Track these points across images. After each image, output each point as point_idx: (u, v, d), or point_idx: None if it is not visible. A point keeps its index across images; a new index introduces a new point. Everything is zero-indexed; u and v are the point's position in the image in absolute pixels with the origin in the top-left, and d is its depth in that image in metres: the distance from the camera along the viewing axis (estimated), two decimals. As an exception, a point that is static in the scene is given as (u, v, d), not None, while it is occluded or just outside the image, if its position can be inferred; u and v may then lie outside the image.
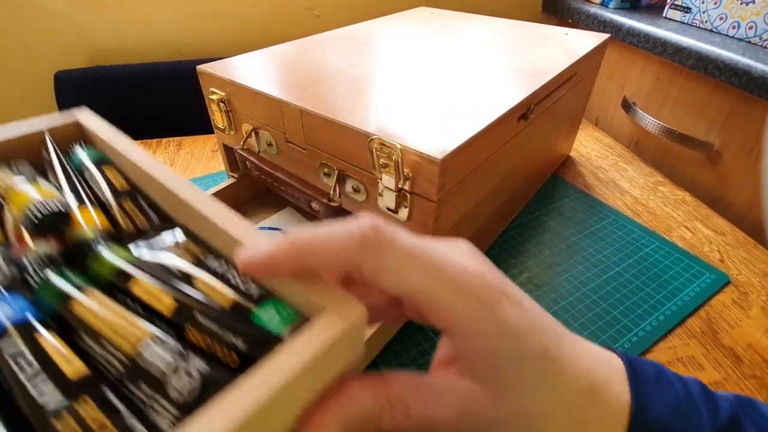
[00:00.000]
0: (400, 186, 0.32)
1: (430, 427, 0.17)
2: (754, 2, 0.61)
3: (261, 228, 0.50)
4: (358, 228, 0.16)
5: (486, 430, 0.18)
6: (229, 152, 0.51)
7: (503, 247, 0.50)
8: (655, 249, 0.50)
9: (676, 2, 0.74)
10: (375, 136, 0.30)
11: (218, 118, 0.47)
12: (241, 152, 0.42)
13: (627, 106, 0.78)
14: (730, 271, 0.48)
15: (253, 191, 0.56)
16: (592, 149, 0.72)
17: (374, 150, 0.31)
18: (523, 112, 0.39)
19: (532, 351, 0.18)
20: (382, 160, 0.31)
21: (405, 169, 0.31)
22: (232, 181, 0.52)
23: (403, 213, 0.34)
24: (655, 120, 0.72)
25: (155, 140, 0.73)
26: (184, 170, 0.65)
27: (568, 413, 0.19)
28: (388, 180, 0.32)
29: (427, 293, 0.16)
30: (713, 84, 0.64)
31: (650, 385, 0.21)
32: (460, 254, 0.18)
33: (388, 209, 0.34)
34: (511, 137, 0.40)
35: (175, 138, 0.73)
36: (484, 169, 0.37)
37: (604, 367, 0.21)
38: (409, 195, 0.32)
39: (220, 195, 0.51)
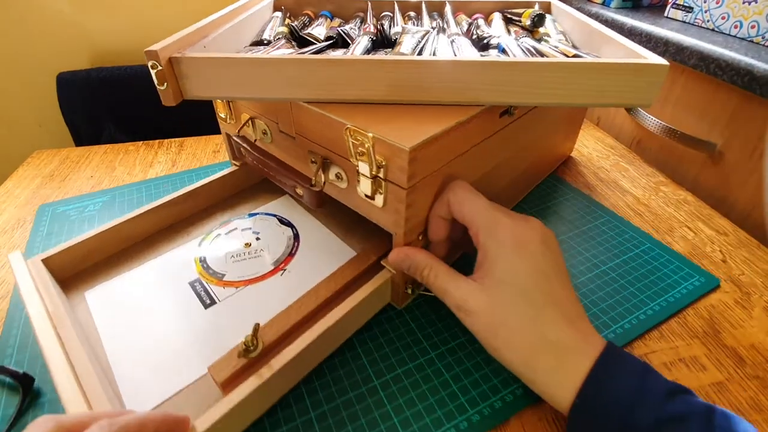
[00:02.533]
0: (374, 173, 0.33)
1: (442, 294, 0.33)
2: (756, 1, 0.59)
3: (256, 213, 0.52)
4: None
5: (468, 318, 0.31)
6: (231, 140, 0.54)
7: (492, 241, 0.51)
8: (645, 250, 0.50)
9: (677, 2, 0.73)
10: (350, 125, 0.32)
11: (220, 108, 0.49)
12: (236, 139, 0.44)
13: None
14: (733, 272, 0.47)
15: (254, 179, 0.58)
16: (593, 149, 0.71)
17: (350, 138, 0.32)
18: (506, 107, 0.40)
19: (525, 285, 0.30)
20: (359, 149, 0.33)
21: (378, 157, 0.32)
22: (234, 168, 0.55)
23: (379, 199, 0.35)
24: (657, 120, 0.71)
25: (157, 141, 0.73)
26: (186, 171, 0.67)
27: (531, 345, 0.29)
28: (363, 167, 0.33)
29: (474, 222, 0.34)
30: (715, 83, 0.63)
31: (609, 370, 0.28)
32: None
33: (366, 195, 0.36)
34: (493, 132, 0.40)
35: (177, 139, 0.74)
36: (463, 161, 0.38)
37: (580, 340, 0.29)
38: (383, 182, 0.34)
39: (221, 181, 0.53)
